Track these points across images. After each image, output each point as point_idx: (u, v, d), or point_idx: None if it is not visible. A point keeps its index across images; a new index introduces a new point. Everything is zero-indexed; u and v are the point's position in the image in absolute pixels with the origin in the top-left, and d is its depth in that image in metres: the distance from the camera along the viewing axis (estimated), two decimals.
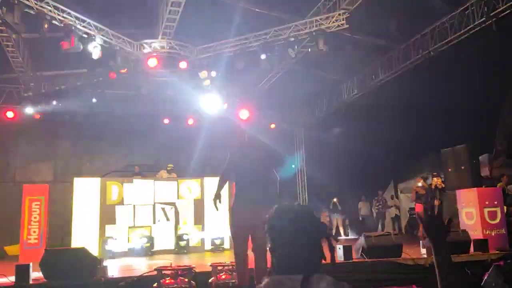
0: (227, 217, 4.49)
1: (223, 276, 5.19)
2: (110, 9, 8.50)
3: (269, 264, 4.40)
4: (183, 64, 9.70)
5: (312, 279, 1.42)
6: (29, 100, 11.00)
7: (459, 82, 9.79)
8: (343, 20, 8.31)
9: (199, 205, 10.74)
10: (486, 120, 11.25)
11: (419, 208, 10.40)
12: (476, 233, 7.48)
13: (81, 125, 12.04)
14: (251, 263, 4.37)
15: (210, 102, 11.41)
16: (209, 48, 9.63)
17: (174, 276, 4.95)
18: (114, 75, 9.90)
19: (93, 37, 8.22)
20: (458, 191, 8.35)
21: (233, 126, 10.50)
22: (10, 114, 11.53)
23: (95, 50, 8.24)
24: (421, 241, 7.50)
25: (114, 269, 6.46)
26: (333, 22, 8.41)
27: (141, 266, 7.57)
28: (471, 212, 7.87)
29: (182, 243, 10.12)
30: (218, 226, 10.23)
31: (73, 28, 7.83)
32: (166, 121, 12.74)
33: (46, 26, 7.53)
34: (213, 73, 9.84)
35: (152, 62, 9.41)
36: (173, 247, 10.19)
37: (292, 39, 8.82)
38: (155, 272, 5.12)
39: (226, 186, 4.78)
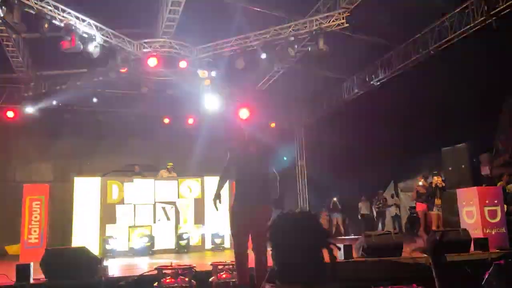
0: (227, 216, 4.48)
1: (224, 275, 5.19)
2: (110, 8, 8.49)
3: (269, 263, 4.41)
4: (183, 64, 9.71)
5: None
6: (29, 99, 11.02)
7: (460, 80, 9.79)
8: (343, 19, 8.31)
9: (199, 205, 10.75)
10: (486, 118, 11.25)
11: (420, 207, 10.42)
12: (476, 232, 7.48)
13: (81, 124, 12.05)
14: (252, 262, 4.37)
15: (210, 101, 11.42)
16: (209, 48, 9.63)
17: (175, 275, 4.95)
18: (114, 74, 9.91)
19: (93, 37, 8.22)
20: (459, 190, 8.36)
21: (233, 125, 10.50)
22: (10, 114, 11.54)
23: (95, 49, 8.24)
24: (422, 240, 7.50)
25: (114, 268, 6.46)
26: (333, 21, 8.41)
27: (141, 265, 7.58)
28: (472, 211, 7.87)
29: (183, 242, 10.13)
30: (219, 225, 10.24)
31: (73, 27, 7.84)
32: (166, 120, 12.75)
33: (46, 25, 7.54)
34: (213, 73, 9.85)
35: (152, 62, 9.41)
36: (173, 246, 10.20)
37: (292, 38, 8.82)
38: (156, 272, 5.12)
39: (226, 185, 4.78)
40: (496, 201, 7.82)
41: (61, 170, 12.50)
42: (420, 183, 10.50)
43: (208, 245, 10.55)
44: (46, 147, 12.52)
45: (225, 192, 5.09)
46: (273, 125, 13.67)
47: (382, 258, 6.33)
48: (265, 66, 9.43)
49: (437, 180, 10.02)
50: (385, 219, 14.41)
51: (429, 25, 9.20)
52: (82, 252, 5.68)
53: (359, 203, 14.72)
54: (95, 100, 11.48)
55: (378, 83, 11.14)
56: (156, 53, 9.31)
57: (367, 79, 11.52)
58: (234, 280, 4.90)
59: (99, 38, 8.30)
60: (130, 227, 10.21)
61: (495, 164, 11.69)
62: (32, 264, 5.42)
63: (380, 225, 14.07)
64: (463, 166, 8.77)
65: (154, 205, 10.54)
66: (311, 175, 14.27)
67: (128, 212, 10.31)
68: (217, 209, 4.53)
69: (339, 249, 6.25)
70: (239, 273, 4.37)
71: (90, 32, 8.19)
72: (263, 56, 9.04)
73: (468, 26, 8.23)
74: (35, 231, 9.39)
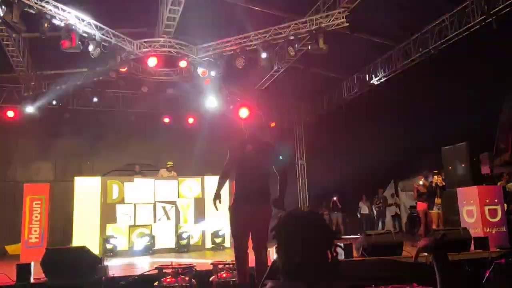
0: (227, 215, 4.48)
1: (224, 275, 5.19)
2: (110, 8, 8.49)
3: (269, 262, 4.40)
4: (183, 63, 9.71)
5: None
6: (29, 99, 11.01)
7: (460, 79, 9.78)
8: (343, 18, 8.31)
9: (199, 204, 10.75)
10: (486, 117, 11.23)
11: (420, 206, 10.42)
12: (476, 231, 7.49)
13: (81, 124, 12.05)
14: (252, 262, 4.37)
15: (210, 100, 11.42)
16: (209, 47, 9.63)
17: (175, 274, 4.95)
18: (114, 74, 9.91)
19: (93, 36, 8.22)
20: (459, 189, 8.35)
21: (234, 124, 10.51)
22: (10, 114, 11.54)
23: (95, 49, 8.24)
24: (422, 239, 7.50)
25: (115, 268, 6.47)
26: (333, 20, 8.40)
27: (142, 265, 7.59)
28: (472, 210, 7.87)
29: (183, 242, 10.14)
30: (219, 224, 10.25)
31: (73, 27, 7.83)
32: (166, 120, 12.75)
33: (46, 25, 7.53)
34: (213, 72, 9.85)
35: (152, 61, 9.41)
36: (173, 246, 10.21)
37: (292, 37, 8.82)
38: (156, 271, 5.12)
39: (226, 185, 4.77)
40: (496, 200, 7.83)
41: (61, 170, 12.51)
42: (421, 182, 10.51)
43: (209, 244, 10.57)
44: (46, 146, 12.52)
45: (225, 191, 5.07)
46: (273, 124, 13.67)
47: (382, 257, 6.33)
48: (265, 65, 9.42)
49: (437, 179, 10.03)
50: (385, 218, 14.40)
51: (429, 24, 9.19)
52: (83, 251, 5.68)
53: (359, 203, 14.71)
54: (95, 100, 11.47)
55: (378, 82, 11.14)
56: (156, 53, 9.30)
57: (367, 79, 11.53)
58: (234, 279, 4.90)
59: (99, 38, 8.29)
60: (130, 226, 10.22)
61: (496, 163, 11.68)
62: (32, 263, 5.42)
63: (380, 224, 14.07)
64: (463, 165, 8.76)
65: (154, 204, 10.54)
66: (311, 174, 14.26)
67: (128, 211, 10.32)
68: (217, 209, 4.53)
69: (342, 248, 6.27)
70: (239, 273, 4.37)
71: (90, 32, 8.18)
72: (263, 55, 9.04)
73: (468, 25, 8.23)
74: (35, 231, 9.40)
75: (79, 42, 7.95)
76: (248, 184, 4.39)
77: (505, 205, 8.09)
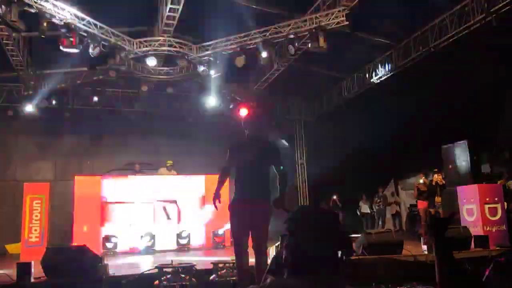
0: (228, 214, 4.47)
1: (224, 274, 5.20)
2: (109, 7, 8.47)
3: (269, 261, 4.40)
4: (182, 62, 9.70)
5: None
6: (29, 98, 11.00)
7: (460, 78, 9.77)
8: (343, 16, 8.29)
9: (199, 203, 10.75)
10: (487, 116, 11.22)
11: (421, 205, 10.42)
12: (476, 230, 7.49)
13: (81, 123, 12.04)
14: (252, 261, 4.37)
15: (210, 99, 11.41)
16: (209, 46, 9.62)
17: (175, 273, 4.96)
18: (113, 73, 9.90)
19: (93, 35, 8.21)
20: (459, 188, 8.36)
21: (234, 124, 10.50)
22: (10, 113, 11.53)
23: (94, 48, 8.23)
24: (422, 238, 7.50)
25: (115, 267, 6.47)
26: (333, 19, 8.38)
27: (142, 264, 7.59)
28: (472, 209, 7.87)
29: (183, 241, 10.14)
30: (219, 223, 10.24)
31: (72, 26, 7.82)
32: (166, 119, 12.72)
33: (45, 24, 7.52)
34: (213, 71, 9.84)
35: (152, 60, 9.40)
36: (174, 245, 10.20)
37: (292, 36, 8.80)
38: (156, 270, 5.13)
39: (226, 184, 4.77)
40: (496, 199, 7.83)
41: (61, 169, 12.51)
42: (421, 181, 10.51)
43: (209, 243, 10.56)
44: (46, 146, 12.52)
45: (225, 190, 5.07)
46: (273, 123, 13.66)
47: (383, 256, 6.33)
48: (265, 64, 9.41)
49: (437, 177, 10.04)
50: (385, 217, 14.40)
51: (429, 22, 9.18)
52: (83, 251, 5.69)
53: (360, 202, 14.71)
54: (95, 99, 11.47)
55: (379, 81, 11.13)
56: (155, 52, 9.29)
57: (367, 77, 11.51)
58: (234, 278, 4.91)
59: (98, 37, 8.29)
60: (130, 225, 10.22)
61: (496, 161, 11.68)
62: (32, 262, 5.43)
63: (380, 223, 14.06)
64: (463, 163, 8.76)
65: (155, 203, 10.54)
66: (311, 173, 14.25)
67: (128, 210, 10.32)
68: (216, 208, 4.52)
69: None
70: (239, 272, 4.37)
71: (89, 31, 8.18)
72: (263, 54, 9.03)
73: (468, 23, 8.21)
74: (35, 230, 9.40)
75: (79, 41, 7.94)
76: (248, 184, 4.39)
77: (505, 203, 8.09)
